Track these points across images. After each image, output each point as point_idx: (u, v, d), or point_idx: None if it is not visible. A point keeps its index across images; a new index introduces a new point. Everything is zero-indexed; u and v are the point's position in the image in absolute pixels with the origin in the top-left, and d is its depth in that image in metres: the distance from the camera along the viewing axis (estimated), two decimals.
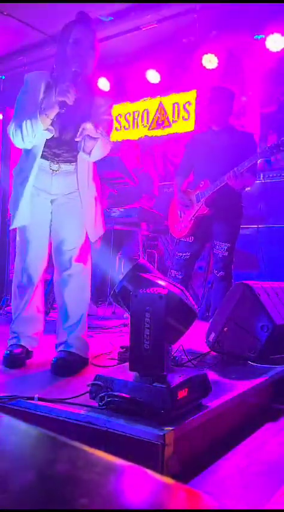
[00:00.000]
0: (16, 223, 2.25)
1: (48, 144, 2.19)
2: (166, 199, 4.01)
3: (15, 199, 2.24)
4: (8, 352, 2.23)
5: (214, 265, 3.24)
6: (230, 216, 3.19)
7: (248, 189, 3.46)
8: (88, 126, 2.05)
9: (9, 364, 2.19)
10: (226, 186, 3.05)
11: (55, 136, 2.16)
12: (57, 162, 2.24)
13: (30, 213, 2.22)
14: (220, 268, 3.17)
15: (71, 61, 2.11)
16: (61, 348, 2.24)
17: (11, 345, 2.29)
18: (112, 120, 2.35)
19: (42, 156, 2.20)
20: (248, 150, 3.07)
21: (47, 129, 2.10)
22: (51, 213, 2.32)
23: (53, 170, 2.24)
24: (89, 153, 2.16)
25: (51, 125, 2.11)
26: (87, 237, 2.34)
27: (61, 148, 2.22)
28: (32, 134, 2.09)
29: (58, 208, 2.31)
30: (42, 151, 2.19)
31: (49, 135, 2.14)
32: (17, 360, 2.22)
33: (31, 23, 4.71)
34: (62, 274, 2.32)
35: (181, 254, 3.29)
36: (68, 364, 2.14)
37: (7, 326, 2.43)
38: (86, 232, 2.32)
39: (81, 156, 2.21)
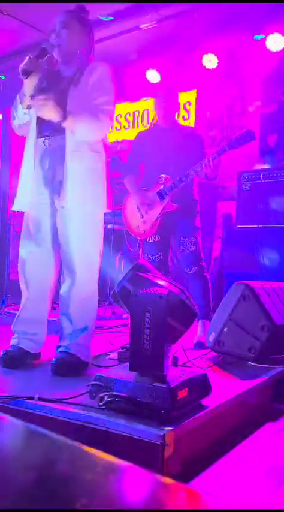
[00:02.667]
0: (13, 207, 2.32)
1: (38, 121, 2.23)
2: None
3: (19, 183, 2.30)
4: (4, 352, 2.23)
5: (183, 262, 3.07)
6: (192, 210, 3.10)
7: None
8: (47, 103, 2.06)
9: (3, 364, 2.19)
10: (189, 180, 2.99)
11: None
12: (48, 137, 2.24)
13: (29, 200, 2.25)
14: (191, 264, 3.02)
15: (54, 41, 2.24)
16: (61, 348, 2.22)
17: (11, 345, 2.29)
18: (103, 95, 2.27)
19: (38, 135, 2.25)
20: (199, 147, 3.11)
21: (27, 108, 2.17)
22: (51, 209, 2.28)
23: (46, 146, 2.24)
24: (71, 131, 2.15)
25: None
26: (96, 245, 2.27)
27: (47, 121, 2.18)
28: (16, 116, 2.23)
29: (62, 214, 2.24)
30: (37, 131, 2.25)
31: (32, 113, 2.20)
32: (10, 360, 2.20)
33: (31, 23, 4.71)
34: (66, 277, 2.26)
35: (153, 256, 3.15)
36: (68, 365, 2.14)
37: (7, 326, 2.43)
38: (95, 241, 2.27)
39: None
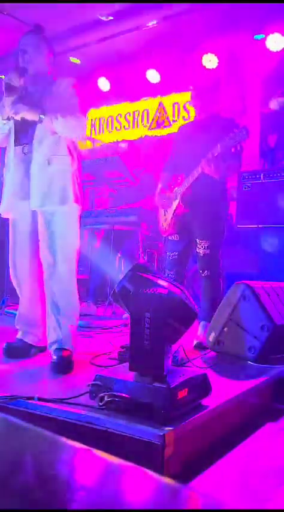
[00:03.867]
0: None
1: (16, 130, 2.39)
2: None
3: (3, 190, 2.45)
4: (7, 343, 2.39)
5: (198, 264, 3.06)
6: (209, 212, 2.97)
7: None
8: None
9: (6, 355, 2.35)
10: (203, 180, 2.85)
11: (16, 121, 2.35)
12: (26, 144, 2.37)
13: (10, 205, 2.40)
14: (204, 268, 2.99)
15: (20, 61, 2.45)
16: (56, 345, 2.30)
17: (16, 338, 2.44)
18: (74, 98, 2.39)
19: (16, 143, 2.39)
20: (223, 135, 2.76)
21: (7, 119, 2.31)
22: (31, 210, 2.38)
23: (24, 154, 2.37)
24: (52, 127, 2.29)
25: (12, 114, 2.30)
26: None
27: (24, 129, 2.37)
28: None
29: (36, 204, 2.37)
30: (15, 139, 2.39)
31: (10, 123, 2.36)
32: (13, 351, 2.37)
33: (31, 23, 4.70)
34: (46, 267, 2.38)
35: (169, 254, 3.17)
36: (68, 362, 2.22)
37: (7, 326, 2.44)
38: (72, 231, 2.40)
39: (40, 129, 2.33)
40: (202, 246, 2.98)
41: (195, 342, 2.83)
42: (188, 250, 3.14)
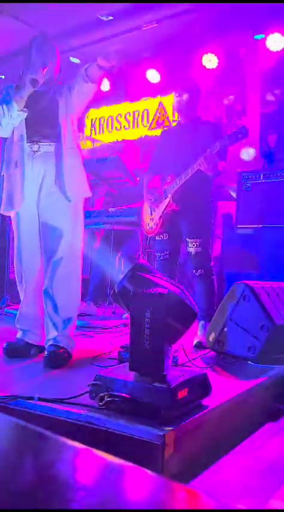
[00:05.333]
0: (1, 210, 2.48)
1: (27, 123, 2.39)
2: None
3: (6, 186, 2.45)
4: (7, 343, 2.41)
5: (190, 264, 3.06)
6: (198, 210, 3.02)
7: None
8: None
9: (7, 354, 2.37)
10: (192, 180, 2.91)
11: (30, 115, 2.37)
12: (37, 142, 2.39)
13: (17, 203, 2.39)
14: (197, 266, 3.00)
15: (37, 58, 2.40)
16: (51, 342, 2.33)
17: (16, 338, 2.46)
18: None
19: (27, 140, 2.40)
20: (214, 137, 2.91)
21: (22, 110, 2.34)
22: (38, 206, 2.41)
23: (34, 151, 2.40)
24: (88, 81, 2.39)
25: (25, 107, 2.34)
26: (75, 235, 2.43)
27: (38, 127, 2.40)
28: (8, 115, 2.34)
29: (45, 200, 2.41)
30: (26, 136, 2.40)
31: (24, 115, 2.37)
32: (13, 350, 2.38)
33: (31, 23, 4.70)
34: (48, 263, 2.39)
35: (160, 254, 3.16)
36: (58, 357, 2.26)
37: (7, 326, 2.45)
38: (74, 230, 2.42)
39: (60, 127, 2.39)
40: (193, 245, 2.99)
41: (195, 342, 2.84)
42: (178, 249, 3.15)
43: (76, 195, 2.41)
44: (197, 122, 3.18)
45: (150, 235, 3.29)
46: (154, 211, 3.16)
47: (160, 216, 3.08)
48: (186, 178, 2.92)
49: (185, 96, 3.08)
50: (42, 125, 2.40)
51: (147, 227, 3.25)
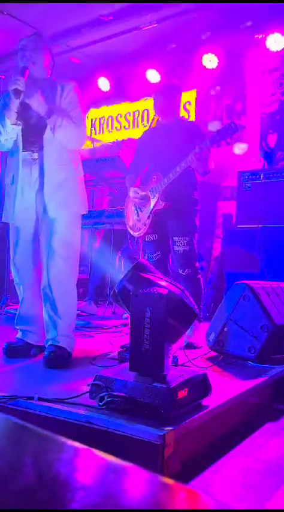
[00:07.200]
0: (3, 218, 2.53)
1: (23, 133, 2.41)
2: None
3: (5, 197, 2.50)
4: (7, 343, 2.43)
5: (176, 263, 3.00)
6: (185, 209, 3.00)
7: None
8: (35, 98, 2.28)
9: (6, 354, 2.39)
10: (178, 178, 2.91)
11: (24, 126, 2.39)
12: (36, 151, 2.40)
13: (15, 211, 2.42)
14: (184, 266, 2.94)
15: (20, 62, 2.41)
16: (51, 342, 2.34)
17: (16, 338, 2.47)
18: (78, 107, 2.46)
19: (23, 149, 2.41)
20: (196, 138, 2.91)
21: (15, 124, 2.35)
22: (36, 208, 2.43)
23: (33, 159, 2.40)
24: (52, 129, 2.34)
25: (18, 118, 2.35)
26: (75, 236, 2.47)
27: (34, 135, 2.40)
28: (4, 132, 2.37)
29: (42, 204, 2.41)
30: (22, 145, 2.41)
31: (17, 129, 2.39)
32: (13, 350, 2.40)
33: (31, 23, 4.71)
34: (46, 263, 2.40)
35: (151, 255, 3.11)
36: (58, 357, 2.26)
37: (7, 326, 2.45)
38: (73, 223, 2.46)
39: (47, 136, 2.38)
40: (181, 243, 2.95)
41: (185, 343, 2.79)
42: (168, 249, 3.11)
43: (61, 214, 2.40)
44: (181, 121, 3.21)
45: (137, 236, 3.25)
46: (141, 211, 3.12)
47: (149, 216, 3.05)
48: (175, 176, 2.90)
49: (163, 98, 3.09)
50: (34, 133, 2.40)
51: (134, 228, 3.21)
